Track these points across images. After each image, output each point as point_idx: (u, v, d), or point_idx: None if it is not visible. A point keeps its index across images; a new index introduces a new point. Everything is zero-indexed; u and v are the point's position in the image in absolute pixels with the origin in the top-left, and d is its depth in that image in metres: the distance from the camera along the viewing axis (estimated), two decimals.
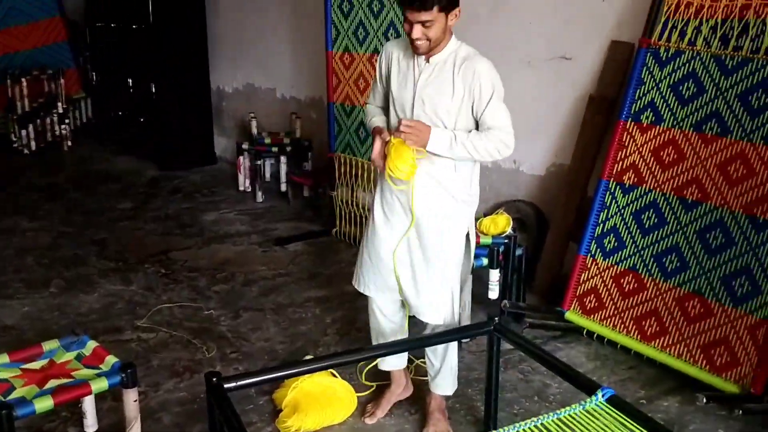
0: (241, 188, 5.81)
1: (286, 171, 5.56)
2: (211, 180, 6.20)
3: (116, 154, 6.89)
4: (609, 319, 3.36)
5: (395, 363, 2.81)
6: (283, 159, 5.56)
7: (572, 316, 3.47)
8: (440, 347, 2.67)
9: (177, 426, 2.74)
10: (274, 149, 5.57)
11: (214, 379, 2.16)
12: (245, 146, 5.72)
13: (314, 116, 5.73)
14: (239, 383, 2.18)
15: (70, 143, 7.25)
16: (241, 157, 5.75)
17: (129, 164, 6.60)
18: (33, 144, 7.05)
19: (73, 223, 5.06)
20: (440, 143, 2.38)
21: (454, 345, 2.71)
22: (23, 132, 7.02)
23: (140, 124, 6.67)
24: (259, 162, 5.56)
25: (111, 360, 2.43)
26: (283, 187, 5.61)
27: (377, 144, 2.48)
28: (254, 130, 5.85)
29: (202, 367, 3.16)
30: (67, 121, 7.30)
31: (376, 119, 2.63)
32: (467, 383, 3.04)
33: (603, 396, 2.08)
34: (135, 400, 2.38)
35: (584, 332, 3.42)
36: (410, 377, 2.93)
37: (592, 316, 3.42)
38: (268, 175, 5.79)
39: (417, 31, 2.32)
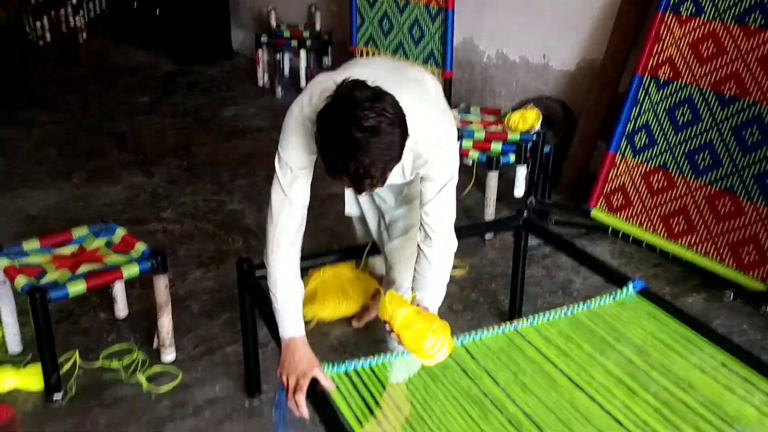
0: (260, 84, 5.70)
1: (305, 66, 5.44)
2: (228, 75, 6.08)
3: (131, 47, 6.74)
4: (636, 217, 3.33)
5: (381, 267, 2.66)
6: (302, 53, 5.42)
7: (598, 213, 3.44)
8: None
9: (205, 314, 2.77)
10: (294, 43, 5.43)
11: (245, 265, 2.17)
12: (264, 39, 5.58)
13: (334, 9, 5.55)
14: None
15: (84, 35, 7.10)
16: (259, 51, 5.61)
17: (144, 58, 6.47)
18: (48, 35, 6.92)
19: (92, 116, 5.01)
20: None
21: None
22: (37, 23, 6.87)
23: (155, 16, 6.50)
24: (278, 56, 5.43)
25: (141, 247, 2.44)
26: (303, 83, 5.50)
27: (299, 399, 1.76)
28: (272, 23, 5.69)
29: (229, 258, 3.18)
30: (81, 12, 7.13)
31: (291, 313, 1.91)
32: (491, 278, 3.05)
33: (634, 288, 2.08)
34: (166, 286, 2.40)
35: (609, 230, 3.40)
36: None
37: (618, 214, 3.39)
38: (287, 70, 5.67)
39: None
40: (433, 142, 1.82)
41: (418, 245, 1.94)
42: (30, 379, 2.31)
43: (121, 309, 2.72)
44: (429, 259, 1.92)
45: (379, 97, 1.52)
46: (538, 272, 3.10)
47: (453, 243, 1.96)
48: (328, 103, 1.55)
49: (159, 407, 2.27)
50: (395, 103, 1.55)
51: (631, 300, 2.05)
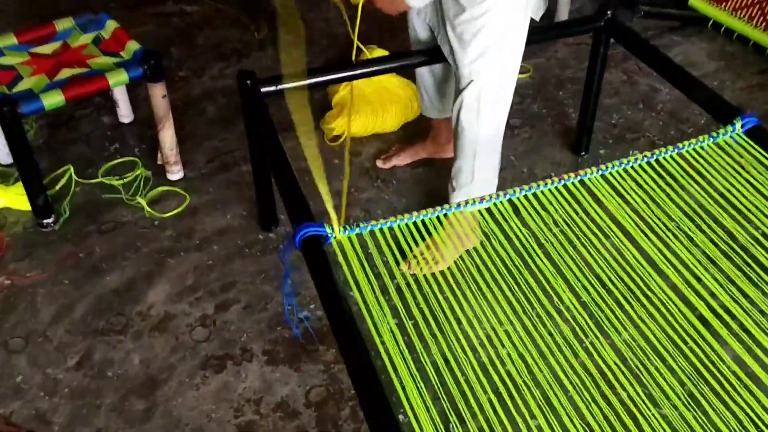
0: None
1: None
2: None
3: None
4: (745, 10, 2.69)
5: (437, 108, 2.14)
6: None
7: (697, 2, 2.81)
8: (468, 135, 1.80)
9: (221, 120, 2.41)
10: None
11: (249, 81, 1.75)
12: None
13: None
14: (280, 87, 1.77)
15: None
16: None
17: None
18: None
19: None
20: None
21: (496, 147, 1.86)
22: None
23: None
24: None
25: (132, 47, 2.02)
26: None
27: None
28: None
29: (252, 51, 2.74)
30: None
31: None
32: (559, 84, 2.56)
33: (743, 126, 1.60)
34: (163, 96, 2.02)
35: (710, 24, 2.79)
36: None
37: (723, 3, 2.75)
38: None
39: None
40: None
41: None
42: (19, 199, 2.04)
43: (125, 113, 2.38)
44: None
45: None
46: (617, 77, 2.58)
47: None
48: None
49: (162, 236, 2.00)
50: None
51: (736, 141, 1.59)
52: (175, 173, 2.16)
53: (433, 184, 2.16)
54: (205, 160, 2.25)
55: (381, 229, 1.40)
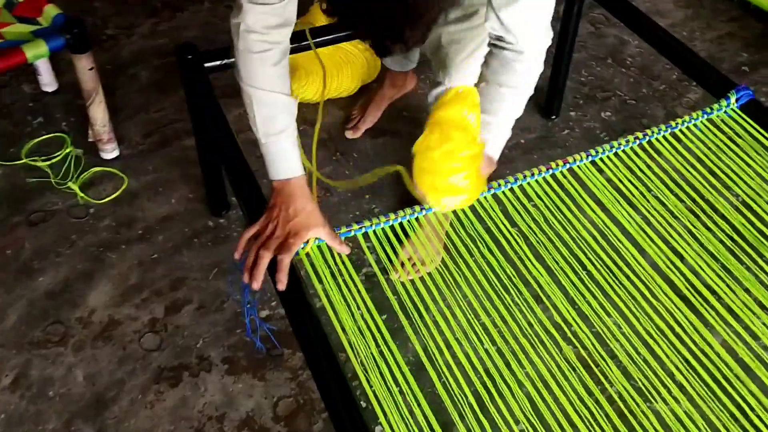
0: None
1: None
2: None
3: None
4: None
5: (404, 61, 1.97)
6: None
7: None
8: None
9: (157, 86, 2.17)
10: None
11: (189, 56, 1.53)
12: None
13: None
14: (226, 61, 1.56)
15: None
16: None
17: None
18: None
19: None
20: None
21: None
22: None
23: None
24: None
25: (51, 11, 1.76)
26: None
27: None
28: None
29: (187, 4, 2.48)
30: None
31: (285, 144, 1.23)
32: None
33: (737, 100, 1.48)
34: (90, 68, 1.78)
35: None
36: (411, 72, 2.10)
37: None
38: None
39: None
40: None
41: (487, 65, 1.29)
42: None
43: (48, 81, 2.12)
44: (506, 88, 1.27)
45: None
46: (584, 29, 2.43)
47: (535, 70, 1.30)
48: None
49: (99, 227, 1.80)
50: None
51: (730, 117, 1.47)
52: (110, 152, 1.93)
53: (397, 154, 1.99)
54: (142, 134, 2.03)
55: (354, 236, 1.25)
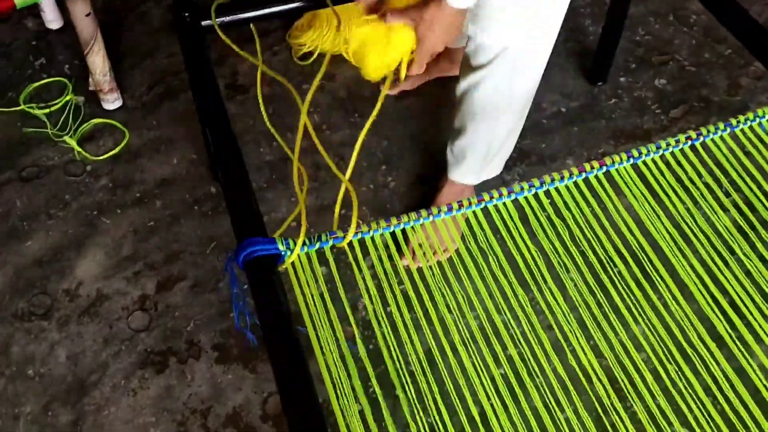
0: None
1: None
2: None
3: None
4: None
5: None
6: None
7: None
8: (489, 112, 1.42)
9: (169, 29, 2.00)
10: None
11: (186, 14, 1.36)
12: None
13: None
14: (231, 18, 1.38)
15: None
16: None
17: None
18: None
19: None
20: None
21: (524, 113, 1.46)
22: None
23: None
24: None
25: None
26: None
27: None
28: None
29: None
30: None
31: None
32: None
33: None
34: (87, 14, 1.62)
35: None
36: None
37: None
38: None
39: None
40: None
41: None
42: None
43: (52, 17, 1.97)
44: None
45: None
46: None
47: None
48: None
49: (95, 187, 1.68)
50: None
51: None
52: (111, 102, 1.80)
53: (422, 122, 1.81)
54: (147, 83, 1.88)
55: (350, 243, 1.09)
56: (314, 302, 1.00)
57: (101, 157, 1.72)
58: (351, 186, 1.16)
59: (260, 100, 1.38)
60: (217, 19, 1.37)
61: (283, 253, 1.05)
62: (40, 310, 1.49)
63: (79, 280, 1.53)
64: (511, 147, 1.53)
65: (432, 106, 1.84)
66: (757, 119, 1.24)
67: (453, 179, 1.57)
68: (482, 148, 1.46)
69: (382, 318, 1.02)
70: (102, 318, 1.48)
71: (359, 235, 1.09)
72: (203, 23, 1.36)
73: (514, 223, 1.12)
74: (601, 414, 0.96)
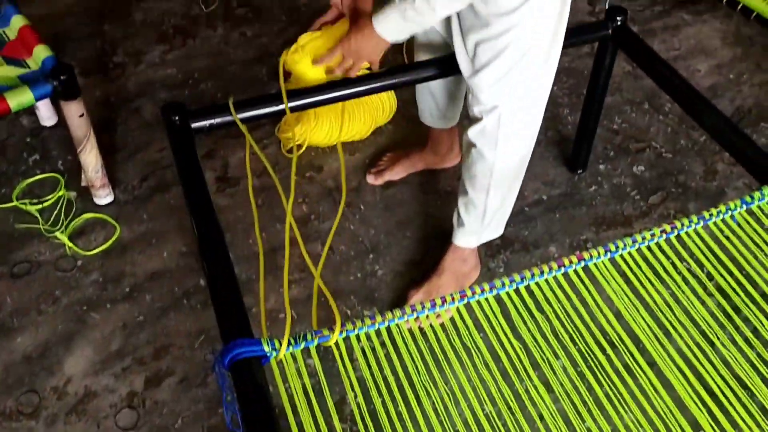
0: None
1: None
2: None
3: None
4: None
5: (443, 118, 1.81)
6: None
7: None
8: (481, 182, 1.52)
9: (160, 122, 2.06)
10: None
11: (176, 117, 1.41)
12: None
13: None
14: (215, 121, 1.44)
15: None
16: None
17: None
18: None
19: None
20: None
21: (514, 183, 1.58)
22: None
23: None
24: None
25: (41, 53, 1.66)
26: None
27: None
28: None
29: (199, 29, 2.37)
30: None
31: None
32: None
33: None
34: (81, 115, 1.67)
35: (724, 0, 2.46)
36: (457, 143, 1.93)
37: None
38: None
39: None
40: None
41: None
42: None
43: (47, 115, 2.03)
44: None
45: None
46: (619, 68, 2.25)
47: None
48: None
49: (85, 282, 1.70)
50: None
51: None
52: (103, 197, 1.83)
53: (408, 210, 1.86)
54: (139, 177, 1.92)
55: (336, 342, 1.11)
56: (298, 398, 1.01)
57: (92, 252, 1.74)
58: (322, 282, 1.19)
59: (251, 194, 1.43)
60: (207, 120, 1.43)
61: (268, 354, 1.07)
62: (27, 408, 1.48)
63: (67, 377, 1.53)
64: (507, 211, 1.63)
65: (418, 195, 1.89)
66: (729, 212, 1.29)
67: (456, 243, 1.65)
68: (479, 212, 1.55)
69: (366, 415, 1.03)
70: (89, 416, 1.47)
71: (344, 334, 1.12)
72: (193, 125, 1.41)
73: (497, 318, 1.14)
74: None
